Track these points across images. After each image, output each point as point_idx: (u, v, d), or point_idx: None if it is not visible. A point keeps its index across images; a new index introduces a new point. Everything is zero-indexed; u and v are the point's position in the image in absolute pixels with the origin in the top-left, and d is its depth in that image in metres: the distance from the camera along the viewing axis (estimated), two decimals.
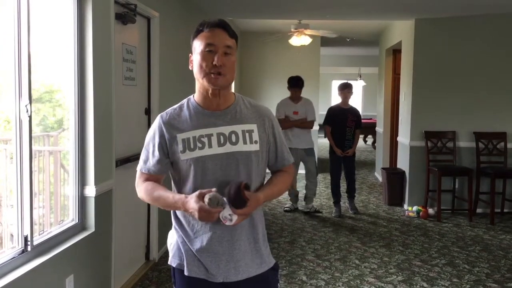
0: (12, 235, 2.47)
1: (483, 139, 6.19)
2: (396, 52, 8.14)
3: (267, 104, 9.30)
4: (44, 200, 2.94)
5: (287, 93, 9.24)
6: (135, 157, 3.67)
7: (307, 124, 6.10)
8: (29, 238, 2.46)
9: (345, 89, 6.18)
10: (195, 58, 1.72)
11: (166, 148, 1.74)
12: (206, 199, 1.58)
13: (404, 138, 6.79)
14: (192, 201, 1.60)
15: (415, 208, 6.19)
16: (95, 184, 2.99)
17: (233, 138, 1.72)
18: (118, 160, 3.41)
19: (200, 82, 1.73)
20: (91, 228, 3.01)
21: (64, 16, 2.87)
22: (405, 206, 6.51)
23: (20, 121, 2.38)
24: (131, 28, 3.68)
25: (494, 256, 4.61)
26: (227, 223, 1.62)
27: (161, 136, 1.74)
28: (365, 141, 10.09)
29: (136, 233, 4.01)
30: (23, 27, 2.37)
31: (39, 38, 2.63)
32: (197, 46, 1.71)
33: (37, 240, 2.57)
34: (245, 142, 1.73)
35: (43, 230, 2.75)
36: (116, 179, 3.31)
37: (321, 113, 11.71)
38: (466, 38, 6.26)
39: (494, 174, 5.81)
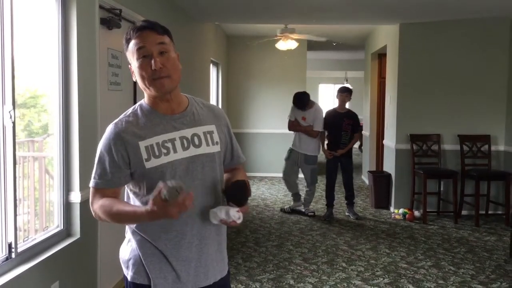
0: None
1: (467, 142, 6.27)
2: (381, 56, 8.22)
3: (254, 107, 9.26)
4: (29, 206, 2.91)
5: (275, 97, 9.31)
6: None
7: (311, 133, 6.17)
8: (13, 245, 2.44)
9: (344, 93, 6.19)
10: (134, 69, 1.64)
11: (127, 158, 1.61)
12: (166, 196, 1.44)
13: (390, 141, 6.85)
14: (156, 208, 1.45)
15: (401, 210, 6.23)
16: (80, 190, 2.97)
17: (196, 140, 1.68)
18: None
19: (146, 92, 1.66)
20: (77, 234, 2.99)
21: (48, 21, 2.86)
22: (392, 209, 6.55)
23: (4, 127, 2.36)
24: (117, 33, 3.67)
25: (479, 258, 4.66)
26: (238, 221, 1.61)
27: (120, 145, 1.61)
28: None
29: (123, 238, 3.97)
30: (6, 31, 2.35)
31: (23, 43, 2.62)
32: (131, 55, 1.63)
33: (22, 246, 2.54)
34: (207, 144, 1.70)
35: (27, 236, 2.72)
36: None
37: None
38: (451, 42, 6.34)
39: (478, 177, 5.88)
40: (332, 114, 6.27)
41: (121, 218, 1.63)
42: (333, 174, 6.23)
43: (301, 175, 6.53)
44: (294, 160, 6.31)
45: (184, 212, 1.49)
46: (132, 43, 1.62)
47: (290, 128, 6.38)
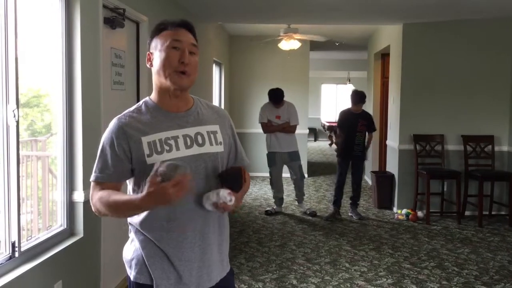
0: None
1: (470, 142, 6.25)
2: (384, 56, 8.20)
3: (256, 107, 9.28)
4: (32, 205, 2.91)
5: None
6: None
7: (289, 129, 6.15)
8: (16, 244, 2.44)
9: (361, 104, 6.16)
10: (158, 56, 1.64)
11: (129, 152, 1.61)
12: (162, 172, 1.41)
13: (393, 141, 6.83)
14: (153, 189, 1.42)
15: (404, 211, 6.22)
16: (84, 189, 2.97)
17: (199, 139, 1.68)
18: None
19: (160, 82, 1.66)
20: (80, 234, 2.99)
21: (52, 20, 2.86)
22: (395, 209, 6.54)
23: (8, 126, 2.36)
24: (120, 32, 3.67)
25: (482, 258, 4.64)
26: (229, 203, 1.58)
27: (123, 139, 1.61)
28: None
29: (126, 238, 3.97)
30: (10, 31, 2.35)
31: (26, 42, 2.62)
32: (160, 43, 1.64)
33: (25, 246, 2.55)
34: (211, 144, 1.70)
35: (31, 235, 2.73)
36: None
37: (310, 116, 11.78)
38: (454, 43, 6.33)
39: (482, 177, 5.87)
40: (347, 114, 6.23)
41: (118, 208, 1.58)
42: (344, 173, 6.22)
43: (285, 175, 6.47)
44: (280, 163, 6.27)
45: (183, 195, 1.45)
46: (167, 33, 1.65)
47: (265, 131, 6.24)
